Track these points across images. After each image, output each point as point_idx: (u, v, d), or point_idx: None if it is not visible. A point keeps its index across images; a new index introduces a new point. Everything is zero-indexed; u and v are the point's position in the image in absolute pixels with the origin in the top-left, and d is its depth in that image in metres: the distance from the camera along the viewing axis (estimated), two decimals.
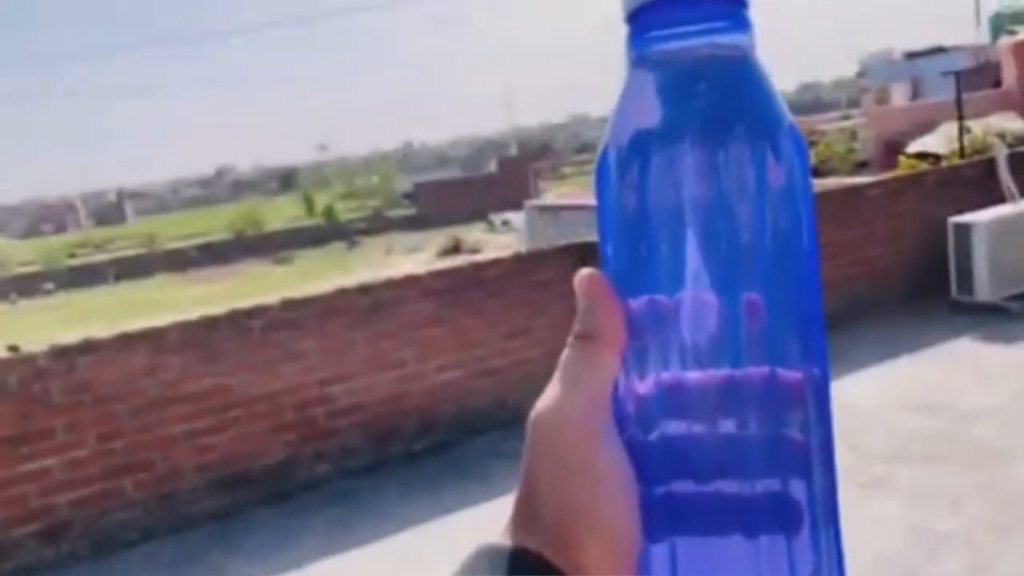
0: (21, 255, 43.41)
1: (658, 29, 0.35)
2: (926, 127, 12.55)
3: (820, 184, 8.14)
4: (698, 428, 0.34)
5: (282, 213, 47.28)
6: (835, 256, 6.32)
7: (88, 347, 4.21)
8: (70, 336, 4.84)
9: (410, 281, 4.98)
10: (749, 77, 0.35)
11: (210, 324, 4.49)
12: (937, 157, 10.46)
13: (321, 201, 44.04)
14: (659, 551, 0.35)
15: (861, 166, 11.92)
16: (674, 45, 0.35)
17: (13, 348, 4.53)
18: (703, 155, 0.33)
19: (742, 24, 0.36)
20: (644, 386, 0.35)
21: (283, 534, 4.22)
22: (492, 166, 43.13)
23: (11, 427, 4.03)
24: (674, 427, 0.34)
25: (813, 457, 0.34)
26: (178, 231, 47.55)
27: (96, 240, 53.23)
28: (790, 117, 0.35)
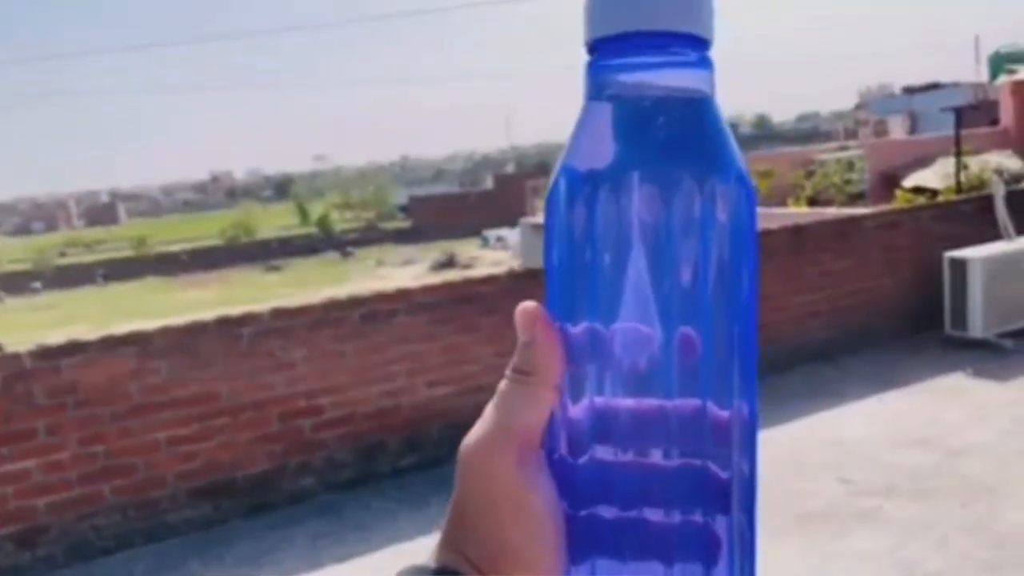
0: (11, 253, 43.20)
1: (618, 61, 0.36)
2: (923, 161, 12.62)
3: (817, 213, 8.15)
4: (625, 455, 0.35)
5: (276, 221, 47.24)
6: (830, 286, 6.32)
7: (73, 348, 4.15)
8: (55, 336, 4.78)
9: (402, 295, 4.94)
10: (705, 119, 0.35)
11: (198, 330, 4.43)
12: (934, 192, 10.51)
13: (316, 210, 44.05)
14: (579, 572, 0.36)
15: (857, 197, 11.97)
16: (633, 79, 0.35)
17: None
18: (650, 192, 0.34)
19: (702, 63, 0.36)
20: (577, 410, 0.36)
21: (264, 546, 4.15)
22: (488, 182, 43.23)
23: None
24: (602, 452, 0.35)
25: (734, 493, 0.35)
26: (170, 235, 47.44)
27: (86, 240, 53.04)
28: (741, 162, 0.35)
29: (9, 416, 3.99)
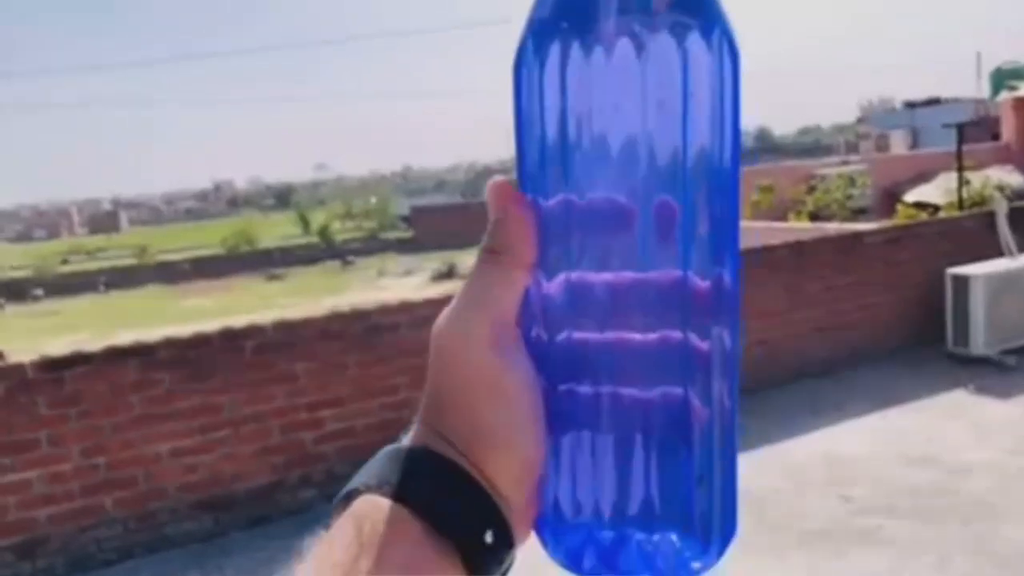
0: (13, 260, 43.22)
1: None
2: (924, 176, 12.65)
3: (819, 229, 8.16)
4: (603, 329, 0.34)
5: (277, 230, 47.27)
6: (832, 302, 6.32)
7: (76, 359, 4.15)
8: (57, 343, 4.78)
9: (405, 307, 4.95)
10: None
11: (202, 341, 4.44)
12: (935, 207, 10.52)
13: (317, 220, 44.06)
14: (561, 446, 0.35)
15: (859, 213, 11.98)
16: None
17: None
18: (625, 50, 0.31)
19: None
20: (552, 287, 0.35)
21: (264, 559, 4.14)
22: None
23: None
24: (579, 328, 0.34)
25: (714, 363, 0.34)
26: (171, 243, 47.47)
27: (88, 248, 53.06)
28: (724, 15, 0.32)
29: (11, 426, 3.99)
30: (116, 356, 4.23)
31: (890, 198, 12.60)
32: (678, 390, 0.34)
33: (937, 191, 11.39)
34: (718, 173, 0.33)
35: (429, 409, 0.37)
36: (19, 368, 4.03)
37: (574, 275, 0.34)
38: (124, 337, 4.51)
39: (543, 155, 0.34)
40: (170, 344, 4.36)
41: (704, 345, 0.34)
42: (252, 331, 4.53)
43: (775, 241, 6.23)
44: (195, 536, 4.35)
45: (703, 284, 0.34)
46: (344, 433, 4.73)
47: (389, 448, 0.38)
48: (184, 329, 4.68)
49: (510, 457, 0.35)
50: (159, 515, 4.30)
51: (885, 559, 3.64)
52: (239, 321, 4.73)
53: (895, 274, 6.60)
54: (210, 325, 4.67)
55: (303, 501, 4.61)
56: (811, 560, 3.68)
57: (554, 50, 0.33)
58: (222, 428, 4.44)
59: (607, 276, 0.34)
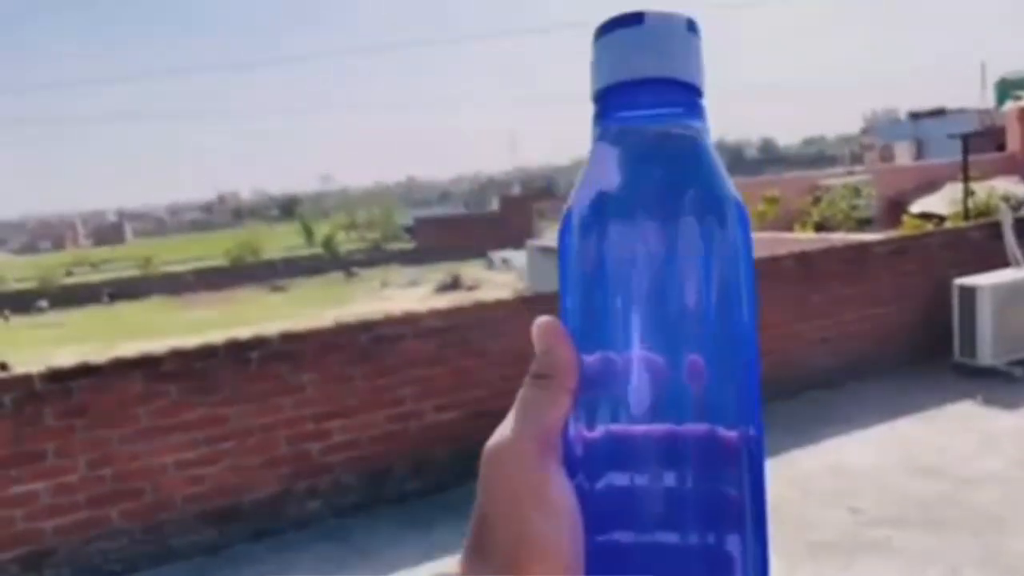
0: (17, 271, 43.34)
1: (623, 110, 0.39)
2: (929, 187, 12.64)
3: (825, 239, 8.15)
4: (638, 479, 0.36)
5: (281, 241, 47.36)
6: (839, 312, 6.31)
7: (84, 371, 4.16)
8: (61, 355, 4.79)
9: (411, 319, 4.95)
10: (700, 156, 0.38)
11: (208, 353, 4.44)
12: (941, 218, 10.52)
13: (321, 231, 44.15)
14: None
15: (864, 223, 11.98)
16: (633, 122, 0.39)
17: (3, 366, 4.47)
18: (656, 224, 0.36)
19: (696, 111, 0.39)
20: (591, 436, 0.37)
21: (271, 570, 4.13)
22: (494, 204, 43.33)
23: (2, 448, 3.96)
24: (615, 477, 0.37)
25: (746, 512, 0.37)
26: (176, 254, 47.58)
27: (93, 259, 53.21)
28: (736, 193, 0.38)
29: (19, 438, 4.00)
30: (123, 368, 4.23)
31: (895, 208, 12.60)
32: (711, 538, 0.36)
33: (942, 201, 11.39)
34: (741, 329, 0.38)
35: (476, 532, 0.38)
36: (27, 379, 4.04)
37: (612, 426, 0.37)
38: (128, 348, 4.52)
39: (582, 313, 0.38)
40: (176, 356, 4.36)
41: (734, 494, 0.37)
42: (258, 342, 4.53)
43: (781, 252, 6.23)
44: (201, 548, 4.34)
45: (731, 435, 0.37)
46: (350, 444, 4.72)
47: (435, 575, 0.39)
48: (190, 341, 4.68)
49: (554, 565, 0.36)
50: (165, 527, 4.29)
51: (894, 570, 3.62)
52: (245, 333, 4.73)
53: (902, 285, 6.59)
54: (215, 337, 4.67)
55: (310, 512, 4.60)
56: (820, 571, 3.66)
57: (592, 224, 0.38)
58: (228, 439, 4.43)
59: (641, 428, 0.37)
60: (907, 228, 10.10)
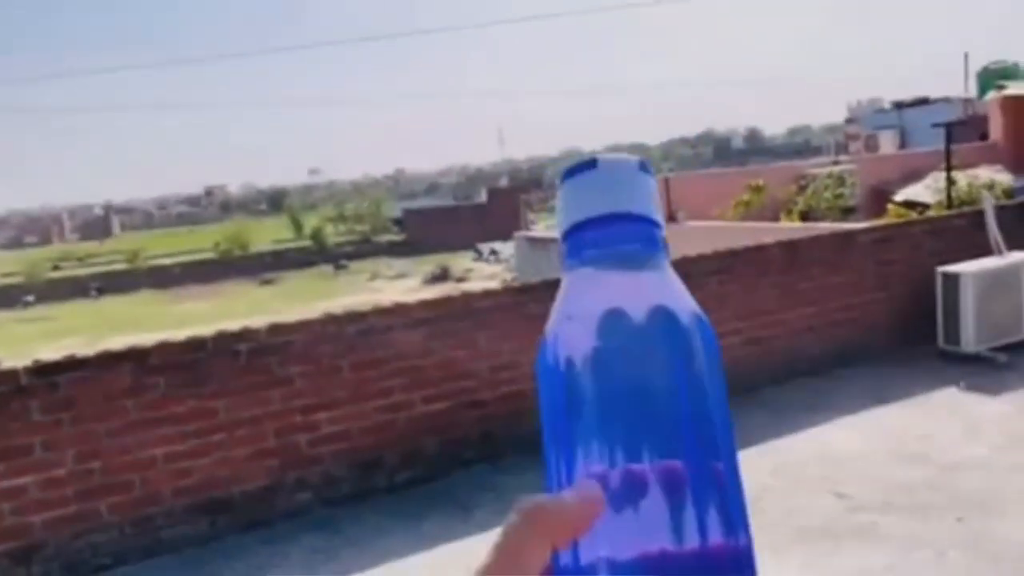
0: (3, 266, 43.00)
1: (586, 247, 0.42)
2: (913, 176, 12.72)
3: (810, 228, 8.19)
4: None
5: (270, 235, 47.16)
6: (823, 301, 6.35)
7: (71, 364, 4.14)
8: (49, 350, 4.77)
9: (400, 310, 4.95)
10: (664, 284, 0.41)
11: (196, 346, 4.43)
12: (925, 206, 10.58)
13: (310, 224, 43.98)
14: None
15: (849, 212, 12.04)
16: (599, 258, 0.41)
17: None
18: (628, 353, 0.38)
19: (656, 244, 0.42)
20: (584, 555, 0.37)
21: (261, 562, 4.14)
22: (482, 196, 43.28)
23: None
24: None
25: None
26: (164, 248, 47.32)
27: (79, 254, 52.85)
28: (702, 314, 0.40)
29: (5, 432, 3.98)
30: (110, 361, 4.22)
31: (879, 197, 12.67)
32: None
33: (926, 190, 11.46)
34: (721, 444, 0.39)
35: None
36: (12, 374, 4.02)
37: (600, 553, 0.37)
38: (117, 343, 4.50)
39: (565, 441, 0.39)
40: (164, 349, 4.35)
41: None
42: (246, 335, 4.53)
43: (768, 240, 6.26)
44: (191, 540, 4.34)
45: (721, 543, 0.37)
46: (340, 436, 4.73)
47: None
48: (178, 334, 4.67)
49: None
50: (155, 519, 4.29)
51: (881, 555, 3.66)
52: (233, 325, 4.72)
53: (886, 273, 6.63)
54: (204, 330, 4.66)
55: (299, 503, 4.61)
56: (807, 557, 3.70)
57: (561, 357, 0.40)
58: (217, 432, 4.43)
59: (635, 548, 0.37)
60: (891, 216, 10.16)
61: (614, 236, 0.41)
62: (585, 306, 0.40)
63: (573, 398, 0.39)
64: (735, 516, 0.38)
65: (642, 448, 0.38)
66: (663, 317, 0.39)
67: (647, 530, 0.37)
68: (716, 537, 0.37)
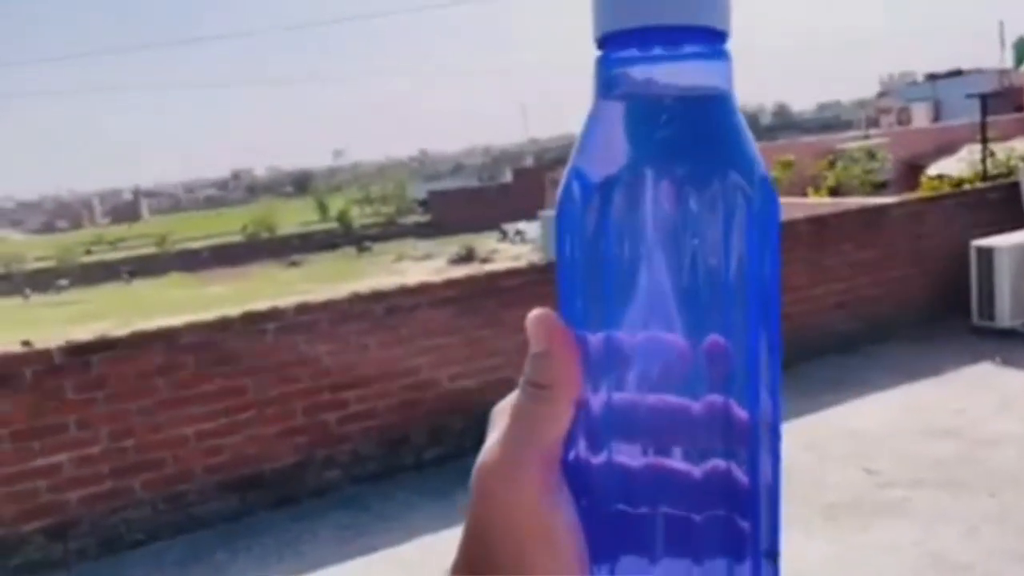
0: (37, 251, 43.72)
1: (629, 57, 0.34)
2: (947, 149, 12.48)
3: (841, 203, 8.08)
4: (645, 456, 0.34)
5: (296, 217, 47.46)
6: (855, 276, 6.27)
7: (103, 344, 4.20)
8: (81, 332, 4.84)
9: (425, 289, 4.96)
10: (722, 118, 0.34)
11: (225, 325, 4.47)
12: (959, 180, 10.39)
13: (335, 206, 44.21)
14: (599, 572, 0.35)
15: (880, 187, 11.85)
16: (645, 76, 0.34)
17: (26, 343, 4.52)
18: (667, 197, 0.32)
19: (719, 57, 0.34)
20: (595, 412, 0.35)
21: (290, 539, 4.19)
22: (507, 176, 43.20)
23: (24, 421, 4.02)
24: (621, 452, 0.34)
25: (759, 494, 0.34)
26: (192, 231, 47.82)
27: (110, 238, 53.58)
28: (762, 162, 0.34)
29: (40, 411, 4.05)
30: (141, 340, 4.27)
31: (912, 171, 12.46)
32: (721, 518, 0.34)
33: (960, 163, 11.24)
34: (763, 309, 0.34)
35: (470, 552, 0.37)
36: (46, 354, 4.09)
37: (616, 399, 0.35)
38: (148, 325, 4.56)
39: (586, 291, 0.35)
40: (194, 328, 4.40)
41: (746, 477, 0.35)
42: (274, 314, 4.56)
43: (797, 216, 6.18)
44: (222, 516, 4.40)
45: (747, 417, 0.34)
46: (367, 414, 4.76)
47: None
48: (208, 313, 4.72)
49: None
50: (187, 496, 4.36)
51: (912, 530, 3.62)
52: (261, 305, 4.76)
53: (919, 247, 6.53)
54: (232, 310, 4.70)
55: (328, 481, 4.66)
56: (837, 533, 3.67)
57: (597, 194, 0.33)
58: (247, 410, 4.48)
59: (650, 403, 0.34)
60: (924, 190, 9.99)
61: (671, 53, 0.34)
62: (623, 143, 0.34)
63: (596, 252, 0.34)
64: (770, 389, 0.35)
65: (671, 314, 0.33)
66: (719, 170, 0.33)
67: (667, 391, 0.34)
68: (745, 407, 0.34)
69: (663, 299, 0.33)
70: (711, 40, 0.34)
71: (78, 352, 4.14)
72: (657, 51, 0.34)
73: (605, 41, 0.35)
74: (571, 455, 0.35)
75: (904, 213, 6.59)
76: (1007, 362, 5.58)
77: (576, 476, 0.35)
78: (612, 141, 0.34)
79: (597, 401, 0.35)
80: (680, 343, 0.33)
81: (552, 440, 0.35)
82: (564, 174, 0.35)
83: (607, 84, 0.35)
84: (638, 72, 0.34)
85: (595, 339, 0.34)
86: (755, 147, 0.34)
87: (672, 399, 0.34)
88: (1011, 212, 6.53)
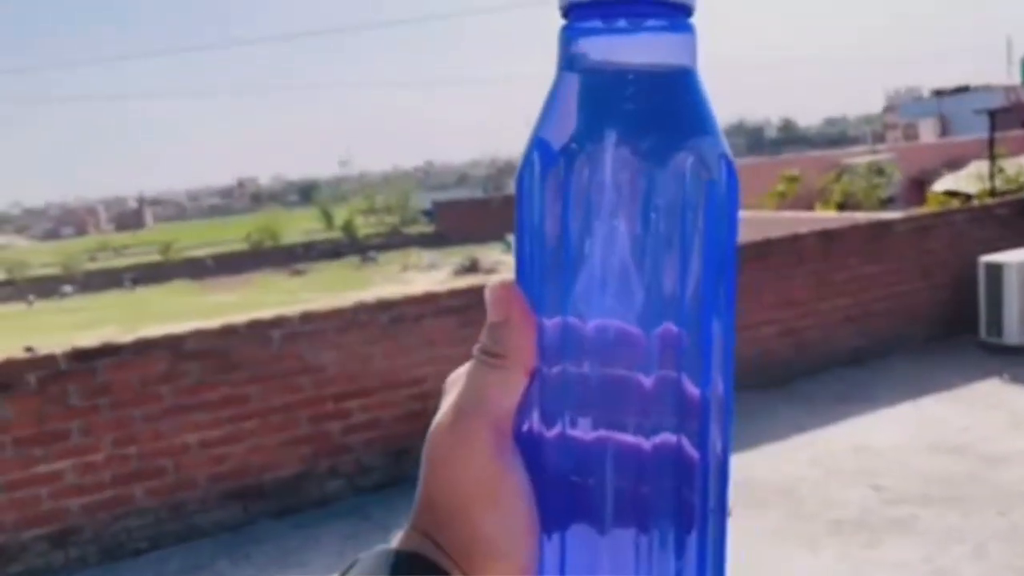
0: (41, 257, 43.83)
1: (593, 28, 0.33)
2: (954, 165, 12.46)
3: (848, 217, 8.06)
4: (596, 430, 0.34)
5: (300, 226, 47.54)
6: (862, 291, 6.24)
7: (107, 350, 4.19)
8: (85, 338, 4.83)
9: (430, 298, 4.95)
10: (685, 94, 0.33)
11: (229, 332, 4.46)
12: (967, 196, 10.36)
13: (340, 215, 44.29)
14: (549, 542, 0.36)
15: (887, 202, 11.84)
16: (608, 49, 0.33)
17: (28, 349, 4.51)
18: (628, 169, 0.32)
19: (683, 30, 0.34)
20: (549, 387, 0.35)
21: (292, 547, 4.16)
22: (512, 187, 43.29)
23: (27, 427, 4.00)
24: (573, 426, 0.35)
25: (710, 473, 0.34)
26: (196, 239, 47.93)
27: (114, 245, 53.71)
28: (723, 140, 0.33)
29: (44, 417, 4.04)
30: (146, 347, 4.26)
31: (919, 187, 12.46)
32: (670, 492, 0.34)
33: (968, 179, 11.21)
34: (719, 294, 0.34)
35: (423, 514, 0.37)
36: (51, 359, 4.07)
37: (570, 372, 0.35)
38: (152, 333, 4.54)
39: (542, 270, 0.35)
40: (198, 335, 4.38)
41: (696, 454, 0.34)
42: (279, 322, 4.55)
43: (803, 230, 6.16)
44: (224, 526, 4.37)
45: (698, 395, 0.34)
46: (371, 424, 4.74)
47: (379, 550, 0.37)
48: (212, 321, 4.70)
49: (508, 565, 0.35)
50: (189, 505, 4.33)
51: (920, 549, 3.59)
52: (266, 313, 4.74)
53: (926, 262, 6.50)
54: (237, 317, 4.69)
55: (331, 491, 4.63)
56: (844, 549, 3.63)
57: (558, 168, 0.33)
58: (250, 418, 4.46)
59: (603, 376, 0.34)
60: (931, 206, 9.97)
61: (636, 24, 0.33)
62: (585, 116, 0.33)
63: (548, 234, 0.34)
64: (721, 371, 0.34)
65: (629, 299, 0.33)
66: (682, 147, 0.33)
67: (619, 378, 0.34)
68: (697, 387, 0.34)
69: (618, 273, 0.33)
70: (676, 14, 0.33)
71: (83, 358, 4.12)
72: (621, 23, 0.33)
73: (569, 11, 0.34)
74: (524, 426, 0.35)
75: (912, 228, 6.57)
76: (1015, 379, 5.54)
77: (529, 447, 0.35)
78: (574, 113, 0.33)
79: (551, 373, 0.35)
80: (634, 317, 0.33)
81: (503, 408, 0.35)
82: (526, 143, 0.35)
83: (570, 56, 0.34)
84: (601, 44, 0.33)
85: (551, 310, 0.34)
86: (717, 125, 0.33)
87: (625, 373, 0.34)
88: (1020, 228, 6.51)
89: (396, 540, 0.38)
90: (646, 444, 0.34)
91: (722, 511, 0.35)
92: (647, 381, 0.34)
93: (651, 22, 0.33)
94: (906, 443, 4.72)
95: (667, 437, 0.34)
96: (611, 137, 0.32)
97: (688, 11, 0.34)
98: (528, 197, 0.34)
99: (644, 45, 0.33)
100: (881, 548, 3.63)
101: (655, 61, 0.33)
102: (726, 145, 0.33)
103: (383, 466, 4.75)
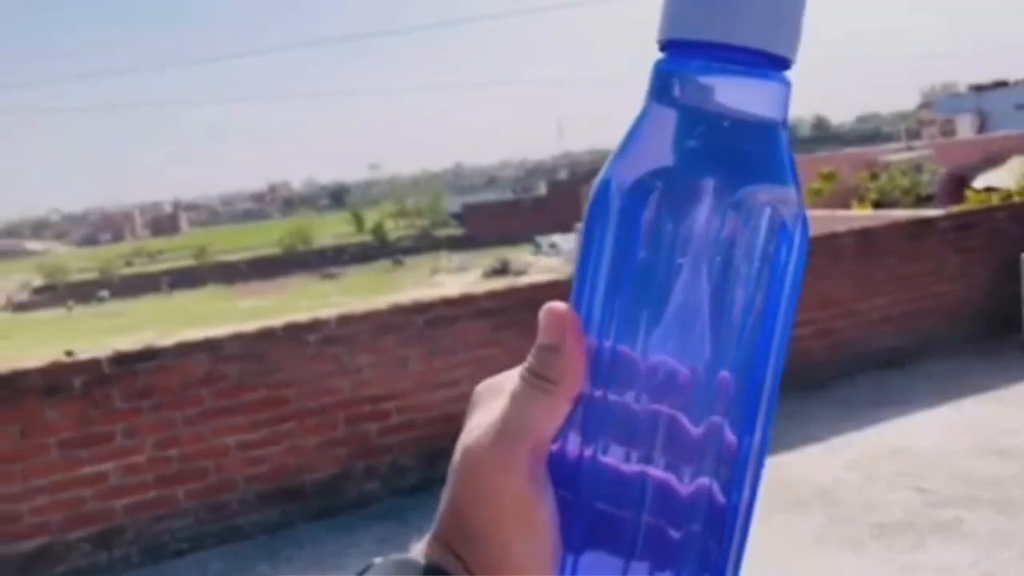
0: (80, 263, 44.63)
1: (692, 68, 0.33)
2: (994, 161, 12.24)
3: (886, 215, 7.95)
4: (633, 465, 0.34)
5: (332, 230, 47.93)
6: (900, 291, 6.15)
7: (149, 353, 4.25)
8: (125, 343, 4.91)
9: (466, 300, 4.96)
10: (776, 150, 0.33)
11: (267, 335, 4.50)
12: (1008, 192, 10.17)
13: (371, 219, 44.59)
14: (566, 561, 0.36)
15: (925, 200, 11.66)
16: (705, 92, 0.33)
17: (69, 354, 4.59)
18: (708, 215, 0.32)
19: (781, 86, 0.34)
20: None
21: (331, 550, 4.19)
22: (541, 189, 43.27)
23: (72, 430, 4.07)
24: (609, 457, 0.35)
25: (737, 518, 0.35)
26: (229, 244, 48.51)
27: (150, 250, 54.54)
28: (803, 203, 0.34)
29: (88, 419, 4.11)
30: (186, 350, 4.32)
31: (957, 184, 12.24)
32: (695, 533, 0.35)
33: (1009, 175, 11.01)
34: (775, 347, 0.34)
35: (449, 527, 0.37)
36: (95, 363, 4.15)
37: (613, 404, 0.35)
38: (189, 337, 4.61)
39: (604, 298, 0.35)
40: (237, 339, 4.44)
41: (724, 499, 0.35)
42: (316, 325, 4.58)
43: (841, 229, 6.09)
44: (264, 527, 4.42)
45: (737, 442, 0.34)
46: (408, 425, 4.76)
47: (397, 558, 0.38)
48: (250, 324, 4.76)
49: None
50: (229, 506, 4.38)
51: (966, 553, 3.52)
52: (303, 316, 4.79)
53: (966, 261, 6.39)
54: (275, 321, 4.74)
55: (369, 493, 4.65)
56: (888, 552, 3.58)
57: (637, 199, 0.33)
58: (288, 420, 4.50)
59: (648, 413, 0.34)
60: (971, 203, 9.80)
61: (744, 73, 0.33)
62: (670, 154, 0.33)
63: (615, 262, 0.34)
64: (765, 420, 0.35)
65: (688, 342, 0.33)
66: (764, 201, 0.33)
67: (668, 409, 0.34)
68: (738, 433, 0.34)
69: (679, 314, 0.33)
70: (777, 67, 0.34)
71: (125, 361, 4.19)
72: (722, 68, 0.33)
73: (670, 46, 0.34)
74: (556, 447, 0.35)
75: (952, 225, 6.46)
76: None
77: (559, 469, 0.35)
78: (661, 147, 0.33)
79: (594, 399, 0.35)
80: (694, 360, 0.33)
81: (546, 434, 0.35)
82: (603, 169, 0.34)
83: (664, 89, 0.34)
84: (699, 84, 0.33)
85: (606, 340, 0.34)
86: (800, 182, 0.33)
87: (672, 412, 0.34)
88: None
89: (416, 549, 0.38)
90: (681, 486, 0.34)
91: (739, 560, 0.35)
92: (695, 425, 0.34)
93: (752, 72, 0.33)
94: (947, 445, 4.64)
95: (703, 482, 0.34)
96: (698, 177, 0.32)
97: (787, 65, 0.34)
98: (600, 223, 0.34)
99: (743, 92, 0.33)
100: (926, 551, 3.57)
101: (751, 110, 0.33)
102: (804, 204, 0.34)
103: (418, 467, 4.77)
